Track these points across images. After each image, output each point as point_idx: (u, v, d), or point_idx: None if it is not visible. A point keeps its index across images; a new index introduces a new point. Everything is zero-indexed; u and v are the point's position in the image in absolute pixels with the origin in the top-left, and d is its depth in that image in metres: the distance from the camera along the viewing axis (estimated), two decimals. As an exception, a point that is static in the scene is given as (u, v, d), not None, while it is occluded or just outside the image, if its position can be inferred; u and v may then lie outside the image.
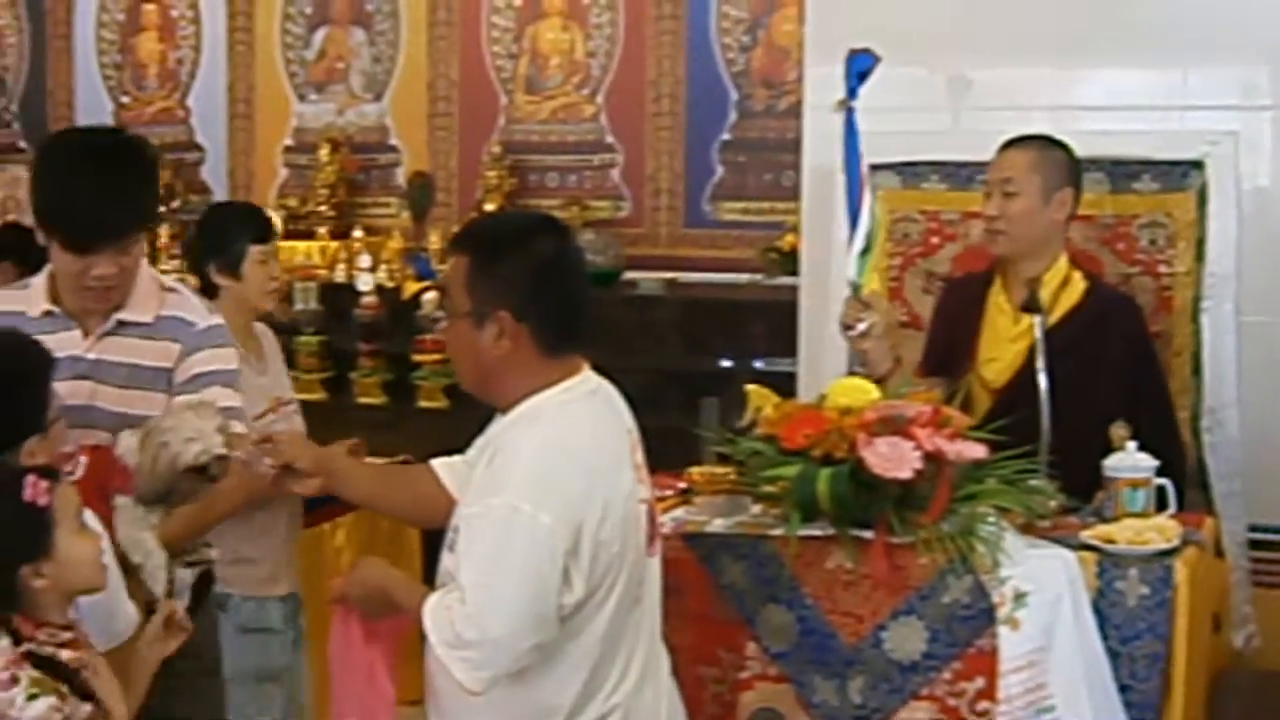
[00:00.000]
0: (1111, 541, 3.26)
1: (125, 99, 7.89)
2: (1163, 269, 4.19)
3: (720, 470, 3.54)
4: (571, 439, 2.65)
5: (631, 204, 6.77)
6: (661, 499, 3.41)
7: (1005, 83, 4.51)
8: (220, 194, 7.56)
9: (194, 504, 2.99)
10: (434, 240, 6.61)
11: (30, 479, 2.51)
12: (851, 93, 3.72)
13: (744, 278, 6.21)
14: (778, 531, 3.29)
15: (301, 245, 6.85)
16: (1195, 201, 4.17)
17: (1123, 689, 3.18)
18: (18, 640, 2.47)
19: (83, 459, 2.86)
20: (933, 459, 3.14)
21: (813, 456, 3.19)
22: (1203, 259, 4.15)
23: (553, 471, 2.60)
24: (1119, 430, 3.48)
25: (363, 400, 6.34)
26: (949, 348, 3.93)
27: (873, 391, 3.35)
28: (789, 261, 5.60)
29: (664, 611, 2.89)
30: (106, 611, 2.76)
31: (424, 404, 6.21)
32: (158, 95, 7.85)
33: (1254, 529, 4.13)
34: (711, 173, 6.61)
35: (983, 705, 3.17)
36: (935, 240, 4.47)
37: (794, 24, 6.10)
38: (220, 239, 4.02)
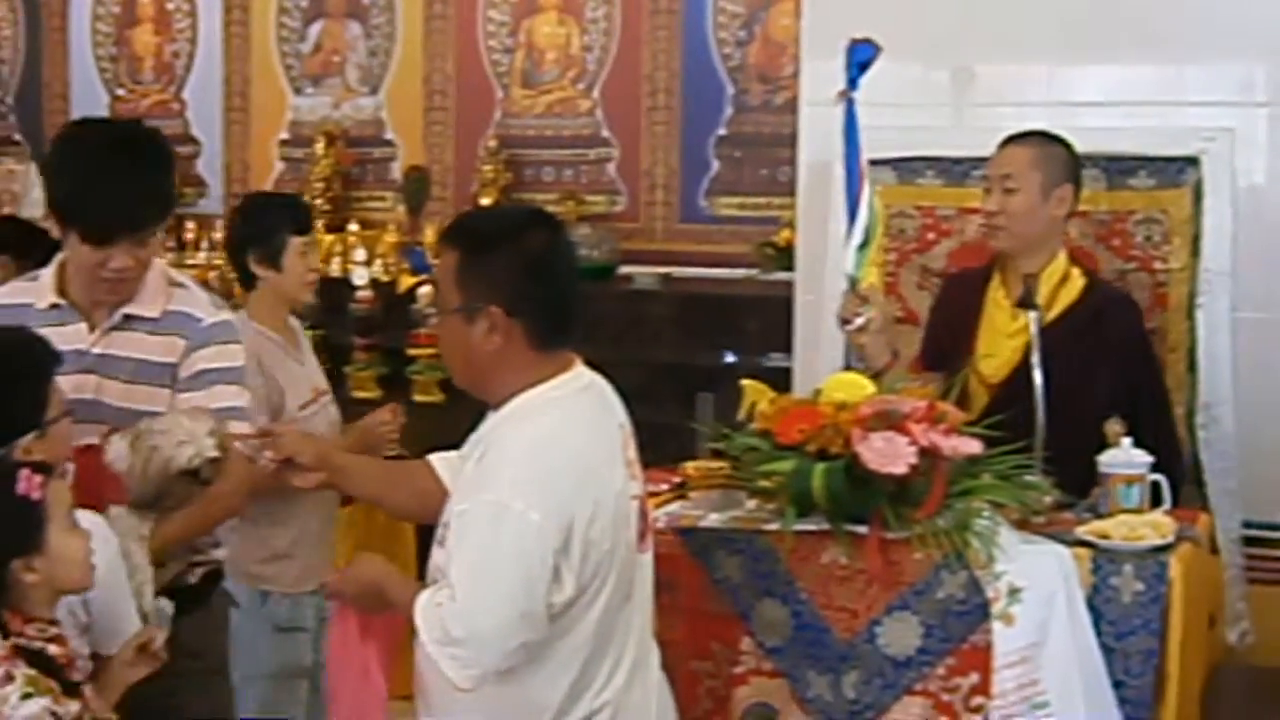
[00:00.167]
0: (1106, 537, 3.26)
1: (120, 92, 7.88)
2: (1158, 265, 4.19)
3: (715, 465, 3.54)
4: (562, 436, 2.64)
5: (627, 198, 6.77)
6: (656, 493, 3.41)
7: (1001, 79, 4.51)
8: (215, 187, 7.56)
9: (193, 505, 2.98)
10: (429, 234, 6.60)
11: (24, 472, 2.51)
12: (852, 83, 3.69)
13: (739, 273, 6.20)
14: (773, 526, 3.28)
15: (297, 239, 6.83)
16: (1191, 198, 4.17)
17: (1117, 685, 3.18)
18: (6, 634, 2.47)
19: (70, 467, 2.83)
20: (928, 454, 3.13)
21: (808, 451, 3.19)
22: (1198, 255, 4.15)
23: (543, 469, 2.59)
24: (1114, 426, 3.48)
25: (357, 394, 6.32)
26: (947, 342, 3.93)
27: (868, 387, 3.34)
28: (784, 257, 5.60)
29: (658, 606, 2.89)
30: (116, 614, 2.75)
31: (419, 398, 6.19)
32: (153, 88, 7.83)
33: (1248, 525, 4.13)
34: (707, 167, 6.61)
35: (977, 700, 3.17)
36: (931, 236, 4.46)
37: (791, 18, 6.09)
38: (260, 230, 4.00)
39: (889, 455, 3.11)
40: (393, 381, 6.38)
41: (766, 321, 5.45)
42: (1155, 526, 3.29)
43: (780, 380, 4.00)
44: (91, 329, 3.07)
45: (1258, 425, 4.15)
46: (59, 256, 3.11)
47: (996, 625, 3.15)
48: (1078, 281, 3.83)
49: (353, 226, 6.93)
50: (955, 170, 4.41)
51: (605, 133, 6.81)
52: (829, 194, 4.21)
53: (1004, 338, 3.81)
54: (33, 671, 2.43)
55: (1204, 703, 3.45)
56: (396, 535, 5.03)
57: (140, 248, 2.99)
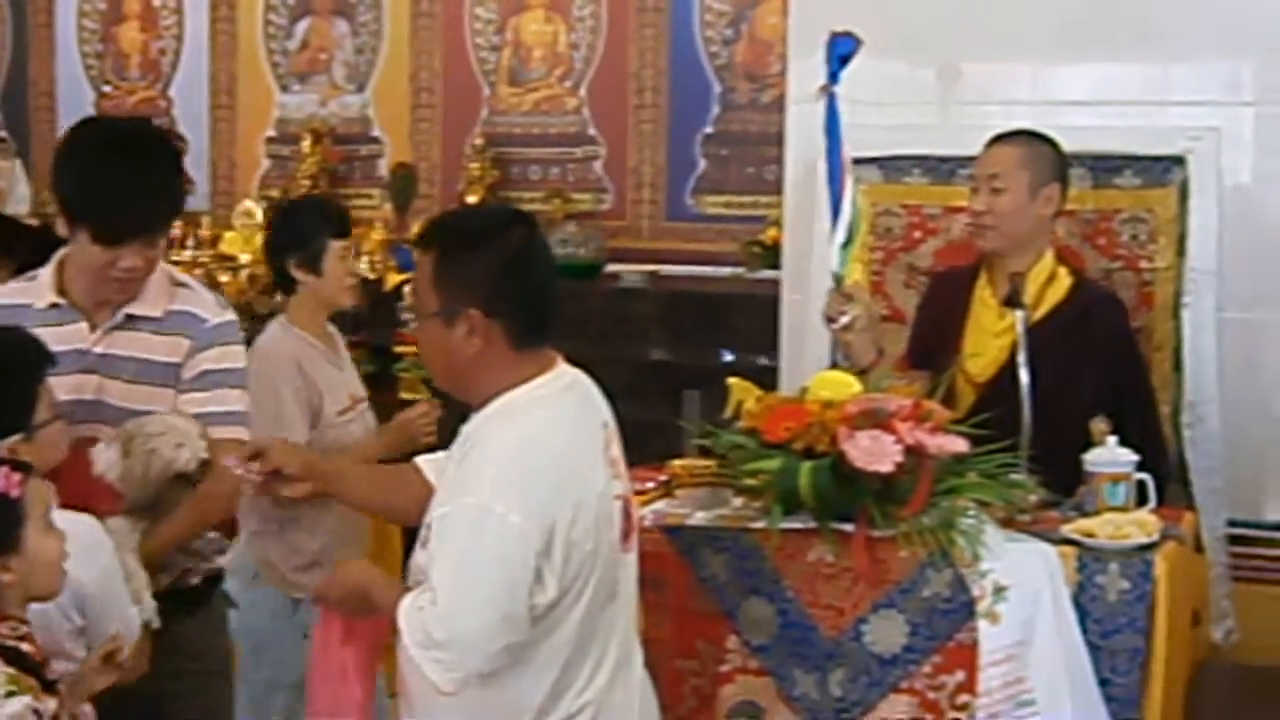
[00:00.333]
0: (1092, 536, 3.26)
1: (107, 89, 7.87)
2: (1144, 264, 4.19)
3: (702, 463, 3.54)
4: (545, 437, 2.62)
5: (614, 196, 6.77)
6: (642, 492, 3.41)
7: (987, 77, 4.51)
8: (202, 185, 7.54)
9: (185, 507, 2.97)
10: (416, 232, 6.59)
11: (2, 470, 2.48)
12: (833, 77, 3.67)
13: (726, 271, 6.21)
14: (759, 524, 3.28)
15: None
16: (1177, 197, 4.17)
17: (1103, 682, 3.18)
18: None
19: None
20: (914, 452, 3.13)
21: (794, 450, 3.19)
22: (1184, 255, 4.15)
23: (524, 471, 2.57)
24: (1099, 425, 3.49)
25: (344, 392, 6.31)
26: (934, 341, 3.93)
27: (854, 385, 3.34)
28: (771, 255, 5.61)
29: (644, 604, 2.88)
30: (113, 618, 2.73)
31: (406, 395, 6.18)
32: (139, 85, 7.83)
33: (1233, 524, 4.14)
34: (694, 166, 6.61)
35: (963, 698, 3.17)
36: (917, 235, 4.46)
37: (777, 17, 6.10)
38: (300, 234, 3.97)
39: (875, 453, 3.10)
40: (379, 379, 6.37)
41: (753, 320, 5.45)
42: (1140, 525, 3.29)
43: (766, 378, 4.00)
44: (92, 328, 3.05)
45: (1243, 424, 4.15)
46: (58, 255, 3.09)
47: (982, 623, 3.15)
48: (1064, 281, 3.83)
49: (339, 224, 6.92)
50: (941, 169, 4.41)
51: (592, 131, 6.81)
52: (816, 192, 4.20)
53: (990, 336, 3.81)
54: (12, 670, 2.41)
55: (1189, 700, 3.46)
56: (383, 536, 5.01)
57: (150, 248, 2.98)
